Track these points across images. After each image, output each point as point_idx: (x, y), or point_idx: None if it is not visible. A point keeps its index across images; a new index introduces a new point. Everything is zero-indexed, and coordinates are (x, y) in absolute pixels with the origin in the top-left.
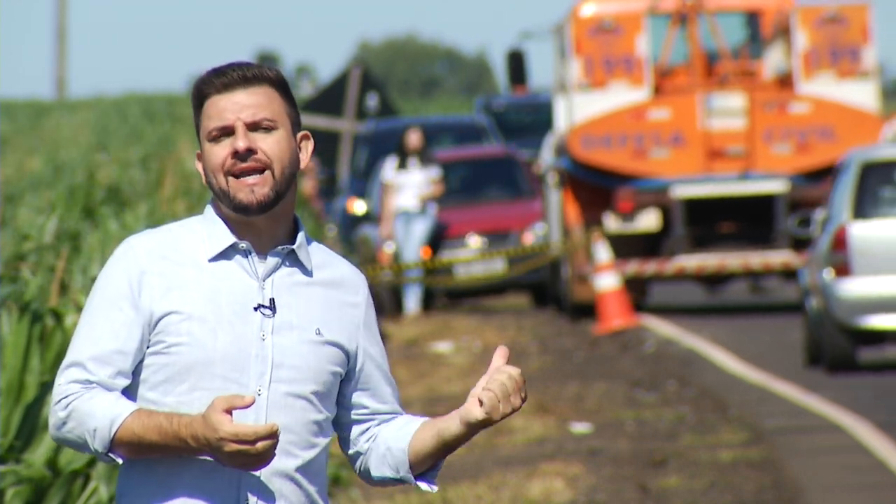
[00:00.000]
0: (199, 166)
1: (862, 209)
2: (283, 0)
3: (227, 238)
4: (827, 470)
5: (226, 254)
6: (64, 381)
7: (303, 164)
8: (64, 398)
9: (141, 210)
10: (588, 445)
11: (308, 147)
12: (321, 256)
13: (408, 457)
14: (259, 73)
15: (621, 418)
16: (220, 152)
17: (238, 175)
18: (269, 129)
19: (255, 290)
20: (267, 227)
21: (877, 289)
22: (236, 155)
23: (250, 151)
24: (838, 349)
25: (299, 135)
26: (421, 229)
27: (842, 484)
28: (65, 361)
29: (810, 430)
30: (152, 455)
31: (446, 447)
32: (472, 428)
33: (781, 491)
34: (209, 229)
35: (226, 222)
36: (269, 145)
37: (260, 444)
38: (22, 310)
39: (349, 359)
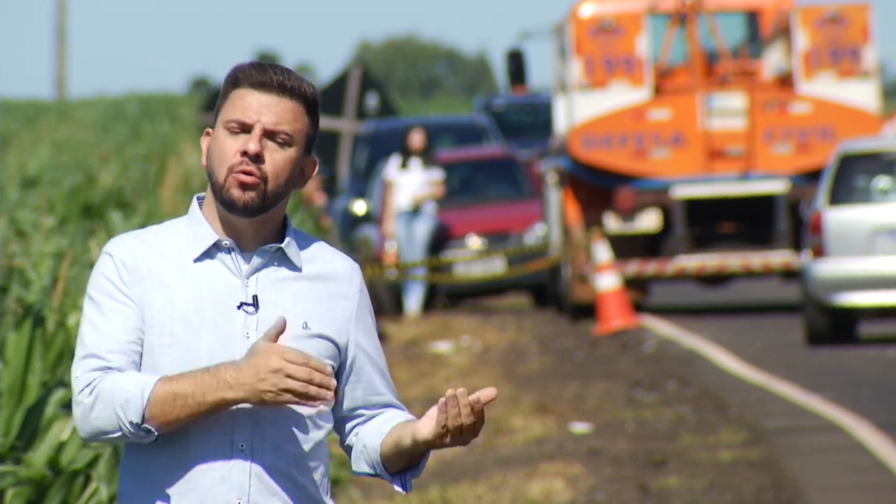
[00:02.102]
0: (205, 143)
1: (837, 196)
2: (283, 0)
3: (211, 237)
4: (827, 470)
5: (209, 253)
6: (82, 372)
7: (301, 187)
8: (87, 385)
9: (141, 210)
10: (588, 445)
11: (310, 172)
12: (312, 250)
13: (380, 456)
14: (297, 86)
15: (621, 418)
16: (231, 146)
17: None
18: (282, 144)
19: (239, 289)
20: (251, 228)
21: (849, 268)
22: (244, 154)
23: (258, 157)
24: (816, 325)
25: (308, 159)
26: (423, 230)
27: (842, 484)
28: (77, 356)
29: (810, 430)
30: (183, 421)
31: (405, 456)
32: (419, 447)
33: (781, 491)
34: (194, 230)
35: (210, 222)
36: (276, 161)
37: (318, 376)
38: (24, 310)
39: (340, 352)
